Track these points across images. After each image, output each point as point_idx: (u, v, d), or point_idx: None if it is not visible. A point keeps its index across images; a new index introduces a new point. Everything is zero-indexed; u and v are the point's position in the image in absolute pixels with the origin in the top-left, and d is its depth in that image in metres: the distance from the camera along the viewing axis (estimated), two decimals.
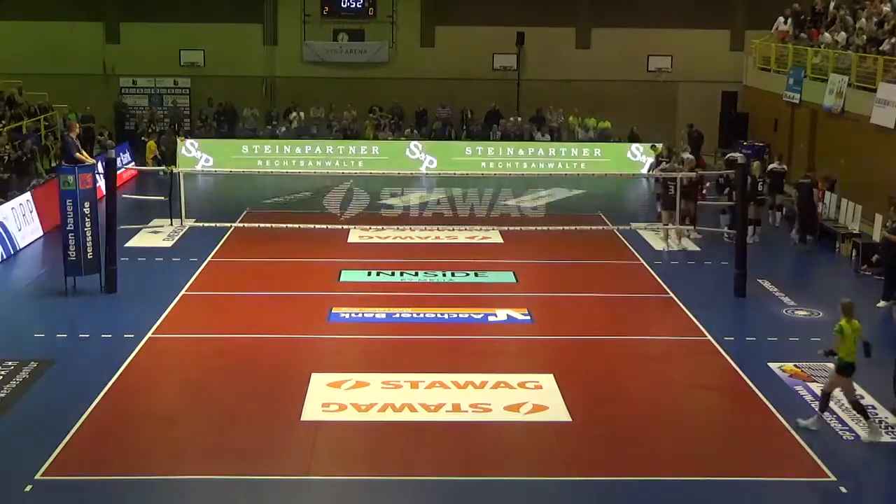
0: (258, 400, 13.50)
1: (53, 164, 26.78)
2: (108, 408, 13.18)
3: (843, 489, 11.24)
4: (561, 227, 20.86)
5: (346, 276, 19.80)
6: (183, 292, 18.40)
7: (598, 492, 11.31)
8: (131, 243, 21.64)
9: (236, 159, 31.75)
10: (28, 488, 10.96)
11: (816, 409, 12.89)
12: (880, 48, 25.25)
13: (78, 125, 22.35)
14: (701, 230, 22.72)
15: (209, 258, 20.86)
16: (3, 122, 27.54)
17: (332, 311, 17.29)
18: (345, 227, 22.12)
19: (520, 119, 34.40)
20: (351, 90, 35.15)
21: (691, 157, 26.04)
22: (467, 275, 19.95)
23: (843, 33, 28.43)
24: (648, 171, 30.83)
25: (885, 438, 12.48)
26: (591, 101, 34.66)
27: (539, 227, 21.41)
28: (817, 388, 13.83)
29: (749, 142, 31.58)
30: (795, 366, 14.77)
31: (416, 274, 19.87)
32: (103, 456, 11.85)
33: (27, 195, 22.70)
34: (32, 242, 22.12)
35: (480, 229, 23.03)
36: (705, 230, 22.84)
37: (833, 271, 21.27)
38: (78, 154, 18.86)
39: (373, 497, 11.21)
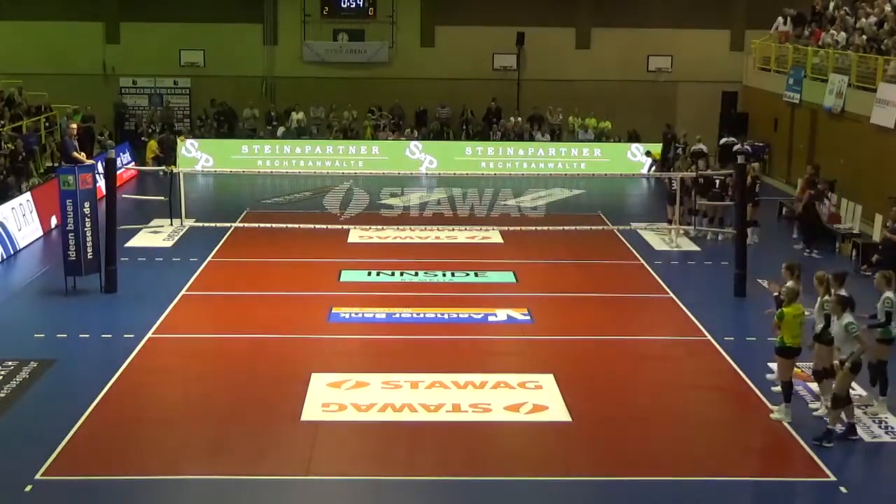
0: (258, 400, 13.50)
1: (51, 164, 26.79)
2: (108, 408, 13.18)
3: (843, 489, 11.23)
4: (561, 227, 20.88)
5: (346, 276, 19.79)
6: (183, 292, 18.39)
7: (598, 492, 11.31)
8: (131, 243, 21.62)
9: (236, 159, 31.77)
10: (28, 488, 10.96)
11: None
12: (881, 48, 25.24)
13: (77, 124, 22.34)
14: (699, 230, 22.77)
15: (209, 258, 20.85)
16: (3, 122, 27.53)
17: (333, 311, 17.29)
18: (345, 227, 22.10)
19: (520, 119, 34.41)
20: (351, 90, 35.12)
21: (703, 147, 25.83)
22: (467, 275, 19.94)
23: (843, 33, 28.41)
24: (648, 170, 30.97)
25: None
26: (591, 101, 34.69)
27: (539, 227, 21.39)
28: (817, 387, 13.81)
29: (749, 141, 31.56)
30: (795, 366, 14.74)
31: (416, 274, 19.86)
32: (103, 456, 11.84)
33: (27, 195, 22.70)
34: (32, 242, 22.12)
35: (480, 229, 23.03)
36: (703, 229, 22.88)
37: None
38: (75, 153, 18.86)
39: (373, 497, 11.20)
